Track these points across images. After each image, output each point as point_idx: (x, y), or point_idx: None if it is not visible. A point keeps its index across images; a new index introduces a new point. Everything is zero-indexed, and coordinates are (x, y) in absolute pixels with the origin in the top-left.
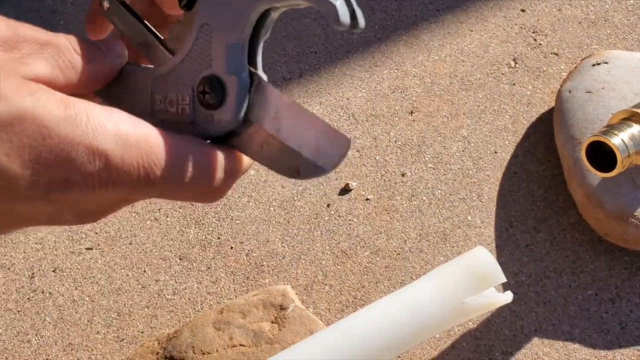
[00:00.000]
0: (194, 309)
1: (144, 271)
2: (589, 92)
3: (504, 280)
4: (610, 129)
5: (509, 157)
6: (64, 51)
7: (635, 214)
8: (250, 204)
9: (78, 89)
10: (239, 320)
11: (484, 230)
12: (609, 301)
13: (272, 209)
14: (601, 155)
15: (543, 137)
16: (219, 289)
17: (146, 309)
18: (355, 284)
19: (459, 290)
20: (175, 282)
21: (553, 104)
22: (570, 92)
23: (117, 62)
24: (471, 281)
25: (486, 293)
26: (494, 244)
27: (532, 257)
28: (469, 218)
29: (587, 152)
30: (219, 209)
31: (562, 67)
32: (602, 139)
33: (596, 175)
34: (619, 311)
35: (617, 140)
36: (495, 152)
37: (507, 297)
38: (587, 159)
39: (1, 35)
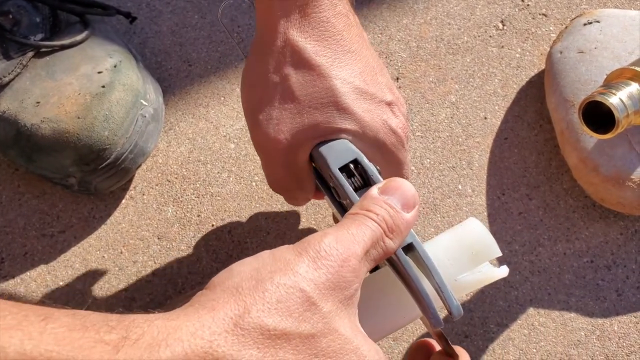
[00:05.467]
0: (175, 289)
1: (121, 252)
2: (581, 52)
3: (499, 254)
4: (608, 88)
5: (499, 123)
6: None
7: (632, 177)
8: (231, 179)
9: None
10: None
11: (475, 199)
12: (604, 268)
13: (254, 184)
14: (598, 117)
15: (534, 101)
16: (200, 269)
17: (124, 292)
18: None
19: (452, 267)
20: (154, 262)
21: (543, 67)
22: (561, 52)
23: None
24: (465, 256)
25: (480, 268)
26: (485, 213)
27: (525, 225)
28: (460, 187)
29: (583, 114)
30: (197, 185)
31: (551, 28)
32: (599, 99)
33: (591, 138)
34: (615, 278)
35: (615, 99)
36: (485, 118)
37: (503, 271)
38: (583, 121)
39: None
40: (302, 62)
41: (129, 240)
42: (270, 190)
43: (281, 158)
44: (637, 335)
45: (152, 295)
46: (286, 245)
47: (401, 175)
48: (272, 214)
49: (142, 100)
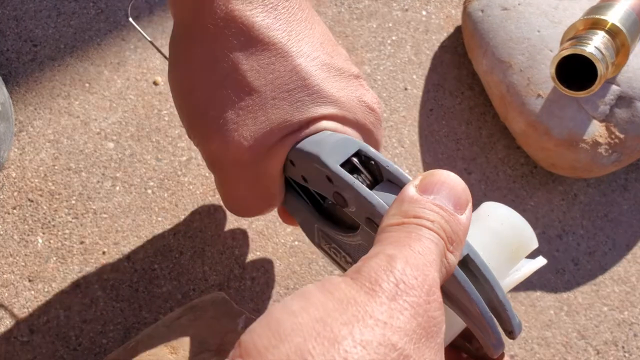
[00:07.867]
0: (68, 347)
1: None
2: (506, 9)
3: (537, 245)
4: (579, 40)
5: (421, 93)
6: None
7: (585, 138)
8: (117, 188)
9: None
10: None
11: None
12: (556, 238)
13: (149, 191)
14: (568, 73)
15: (450, 68)
16: (97, 314)
17: None
18: (283, 270)
19: (495, 271)
20: (29, 315)
21: (452, 30)
22: (482, 11)
23: None
24: (506, 255)
25: (519, 266)
26: None
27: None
28: None
29: (555, 71)
30: (73, 201)
31: None
32: (578, 51)
33: (537, 100)
34: (568, 247)
35: (592, 49)
36: (406, 89)
37: (541, 262)
38: (557, 79)
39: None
40: (253, 42)
41: None
42: (173, 197)
43: (246, 172)
44: (600, 304)
45: None
46: (338, 277)
47: None
48: (182, 228)
49: None
